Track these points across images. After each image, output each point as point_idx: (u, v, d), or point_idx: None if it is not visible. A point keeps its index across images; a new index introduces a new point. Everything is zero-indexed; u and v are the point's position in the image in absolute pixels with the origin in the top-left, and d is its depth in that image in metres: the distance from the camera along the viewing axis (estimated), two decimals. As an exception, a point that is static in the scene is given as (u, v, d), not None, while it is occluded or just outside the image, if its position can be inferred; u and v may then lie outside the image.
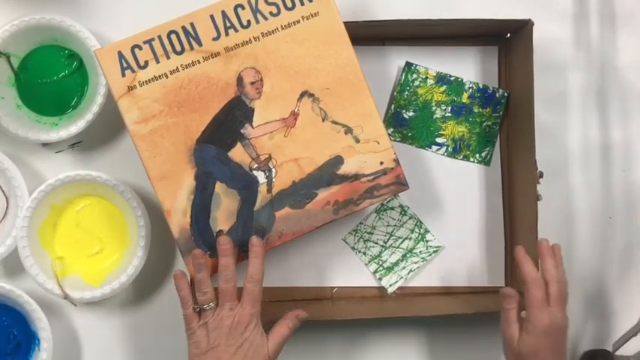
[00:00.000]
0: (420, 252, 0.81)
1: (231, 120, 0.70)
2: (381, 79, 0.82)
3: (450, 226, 0.82)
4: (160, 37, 0.68)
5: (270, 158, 0.70)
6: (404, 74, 0.81)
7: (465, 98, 0.82)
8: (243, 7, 0.69)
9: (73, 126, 0.76)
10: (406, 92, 0.81)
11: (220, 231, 0.70)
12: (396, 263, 0.81)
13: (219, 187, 0.70)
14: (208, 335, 0.65)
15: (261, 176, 0.70)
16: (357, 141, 0.71)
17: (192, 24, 0.68)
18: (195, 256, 0.67)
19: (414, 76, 0.81)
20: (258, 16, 0.69)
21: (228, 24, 0.69)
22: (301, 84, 0.70)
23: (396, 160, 0.71)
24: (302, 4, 0.69)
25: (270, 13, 0.69)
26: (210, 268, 0.69)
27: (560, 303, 0.68)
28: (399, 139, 0.82)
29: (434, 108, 0.82)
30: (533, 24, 0.74)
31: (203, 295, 0.66)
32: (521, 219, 0.78)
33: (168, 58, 0.68)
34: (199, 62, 0.69)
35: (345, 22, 0.70)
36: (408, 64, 0.81)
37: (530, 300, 0.67)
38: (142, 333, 0.81)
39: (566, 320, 0.68)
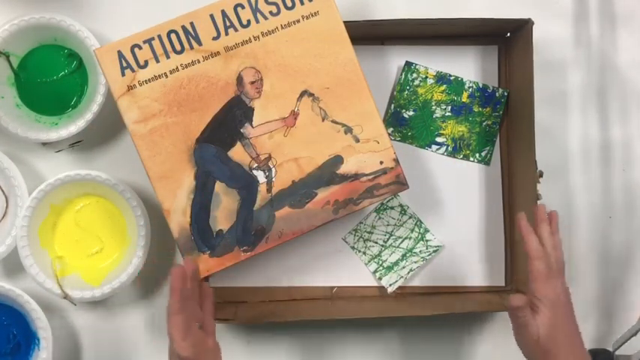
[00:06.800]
0: (420, 251, 0.81)
1: (231, 119, 0.69)
2: (381, 78, 0.81)
3: (449, 226, 0.82)
4: (159, 36, 0.68)
5: (269, 158, 0.70)
6: (404, 74, 0.81)
7: (464, 97, 0.82)
8: (243, 7, 0.69)
9: (73, 125, 0.76)
10: (406, 92, 0.81)
11: (220, 230, 0.70)
12: (396, 263, 0.81)
13: (218, 187, 0.70)
14: None
15: (260, 176, 0.70)
16: (357, 140, 0.71)
17: (192, 23, 0.68)
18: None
19: (414, 75, 0.81)
20: (258, 15, 0.69)
21: (228, 23, 0.69)
22: (301, 83, 0.70)
23: (396, 160, 0.71)
24: (302, 3, 0.69)
25: (270, 13, 0.69)
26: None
27: (560, 273, 0.66)
28: (398, 139, 0.82)
29: (434, 107, 0.82)
30: (533, 23, 0.74)
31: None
32: (521, 218, 0.78)
33: (168, 57, 0.68)
34: (199, 62, 0.69)
35: (345, 22, 0.70)
36: (408, 64, 0.81)
37: (534, 274, 0.65)
38: (142, 333, 0.81)
39: (566, 290, 0.66)
